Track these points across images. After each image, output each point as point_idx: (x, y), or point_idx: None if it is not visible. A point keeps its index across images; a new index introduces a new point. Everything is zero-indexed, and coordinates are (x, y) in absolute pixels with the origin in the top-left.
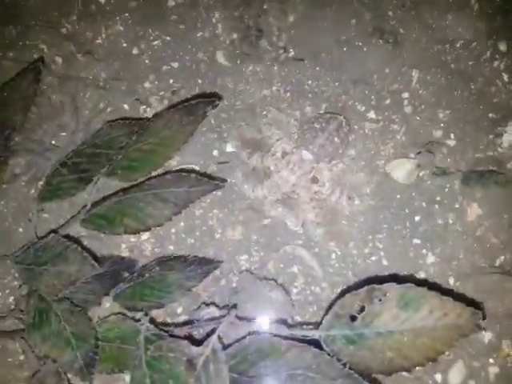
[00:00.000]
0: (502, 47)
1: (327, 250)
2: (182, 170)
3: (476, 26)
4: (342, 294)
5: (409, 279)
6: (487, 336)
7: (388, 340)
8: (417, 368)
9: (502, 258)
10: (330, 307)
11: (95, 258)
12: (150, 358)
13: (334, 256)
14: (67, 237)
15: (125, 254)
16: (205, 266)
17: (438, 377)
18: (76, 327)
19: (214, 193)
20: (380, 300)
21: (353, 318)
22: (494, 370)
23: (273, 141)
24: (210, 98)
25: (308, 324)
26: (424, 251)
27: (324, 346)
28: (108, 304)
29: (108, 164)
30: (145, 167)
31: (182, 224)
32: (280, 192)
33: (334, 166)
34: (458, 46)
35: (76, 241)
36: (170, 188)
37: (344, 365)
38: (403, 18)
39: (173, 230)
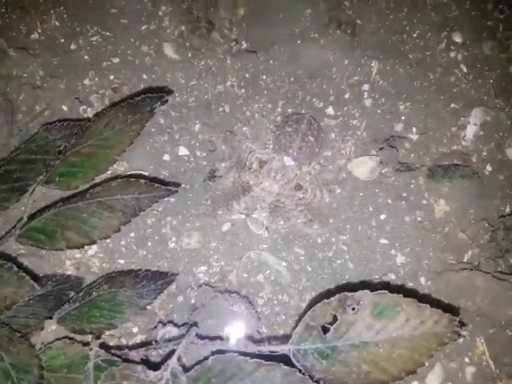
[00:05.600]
0: (457, 38)
1: (294, 254)
2: (130, 176)
3: (431, 16)
4: (313, 303)
5: (382, 285)
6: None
7: (363, 352)
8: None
9: (470, 252)
10: (300, 319)
11: (34, 277)
12: None
13: (301, 259)
14: (1, 255)
15: (70, 271)
16: (158, 280)
17: None
18: (16, 357)
19: (167, 199)
20: (353, 309)
21: (325, 330)
22: (470, 370)
23: (246, 153)
24: (158, 94)
25: (277, 338)
26: (393, 251)
27: (295, 362)
28: (53, 327)
29: (45, 171)
30: (86, 172)
31: (133, 235)
32: (265, 204)
33: (312, 168)
34: (415, 35)
35: (11, 259)
36: (117, 195)
37: (317, 382)
38: (359, 8)
39: (122, 242)
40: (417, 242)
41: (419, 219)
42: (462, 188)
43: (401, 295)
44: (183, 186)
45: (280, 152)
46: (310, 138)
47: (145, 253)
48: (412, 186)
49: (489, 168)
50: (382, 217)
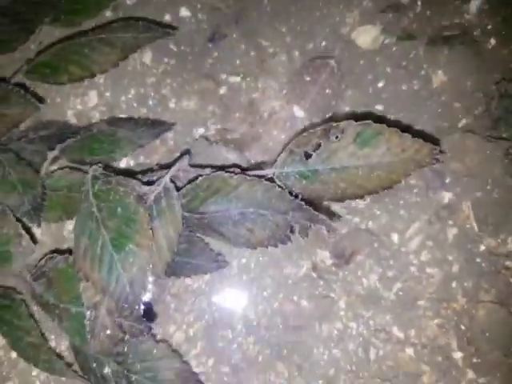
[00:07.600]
0: None
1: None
2: (131, 18)
3: None
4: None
5: (368, 116)
6: (447, 196)
7: (342, 174)
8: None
9: (464, 121)
10: (286, 146)
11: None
12: (98, 190)
13: None
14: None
15: (72, 121)
16: (157, 127)
17: (395, 236)
18: (22, 175)
19: (167, 61)
20: (337, 137)
21: (308, 156)
22: (453, 231)
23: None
24: None
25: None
26: (388, 117)
27: (277, 182)
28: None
29: (52, 13)
30: (89, 8)
31: (133, 92)
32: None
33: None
34: None
35: (20, 86)
36: (117, 34)
37: (296, 196)
38: None
39: (123, 98)
40: (412, 109)
41: (416, 88)
42: (462, 59)
43: (384, 125)
44: (183, 48)
45: (292, 102)
46: (327, 90)
47: (145, 111)
48: (412, 55)
49: (492, 41)
50: (380, 84)
